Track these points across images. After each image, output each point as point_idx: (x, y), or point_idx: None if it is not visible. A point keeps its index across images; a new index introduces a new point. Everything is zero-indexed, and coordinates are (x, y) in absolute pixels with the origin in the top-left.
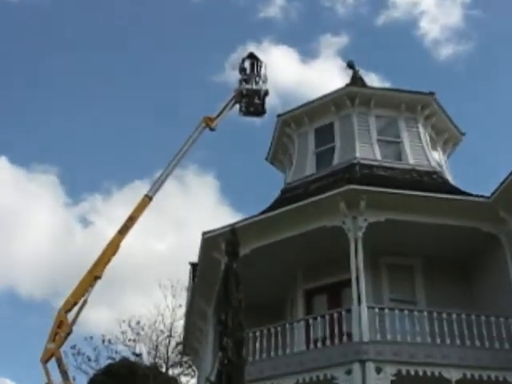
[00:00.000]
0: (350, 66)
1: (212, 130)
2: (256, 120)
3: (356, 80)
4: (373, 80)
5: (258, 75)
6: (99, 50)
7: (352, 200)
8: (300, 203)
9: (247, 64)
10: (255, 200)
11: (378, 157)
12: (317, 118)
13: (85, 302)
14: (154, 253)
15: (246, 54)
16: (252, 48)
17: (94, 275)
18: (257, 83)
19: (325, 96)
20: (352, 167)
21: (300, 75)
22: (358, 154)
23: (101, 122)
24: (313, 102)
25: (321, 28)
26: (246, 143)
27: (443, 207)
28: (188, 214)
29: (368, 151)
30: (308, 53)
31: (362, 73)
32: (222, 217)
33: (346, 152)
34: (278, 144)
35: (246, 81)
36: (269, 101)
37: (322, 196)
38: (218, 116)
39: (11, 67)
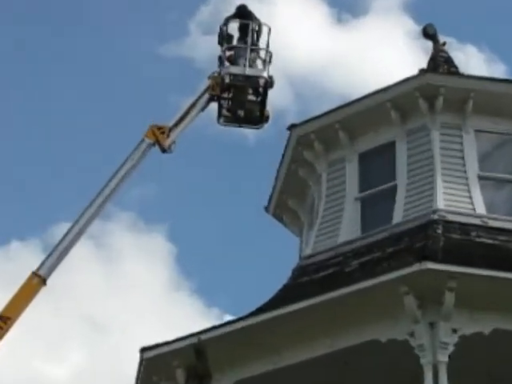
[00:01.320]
0: (429, 33)
1: (165, 151)
2: (248, 133)
3: (438, 62)
4: (470, 62)
5: (255, 50)
6: None
7: (429, 290)
8: (326, 296)
9: (234, 27)
10: (244, 286)
11: (480, 209)
12: (363, 133)
13: None
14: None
15: (231, 7)
16: None
17: None
18: (252, 65)
19: (379, 92)
20: (429, 228)
21: (332, 50)
22: (440, 204)
23: None
24: (356, 102)
25: None
26: (227, 176)
27: None
28: (111, 311)
29: (460, 198)
30: (349, 8)
31: (450, 47)
32: (179, 316)
33: (417, 199)
34: (290, 180)
35: (232, 60)
36: (273, 98)
37: (372, 282)
38: (177, 126)
39: None
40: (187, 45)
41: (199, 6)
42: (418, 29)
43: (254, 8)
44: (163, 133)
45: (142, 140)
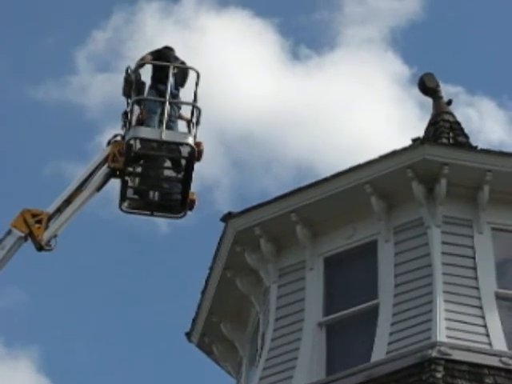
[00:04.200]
0: (428, 87)
1: (42, 248)
2: (161, 220)
3: (440, 128)
4: (485, 123)
5: (176, 104)
6: None
7: None
8: None
9: (147, 71)
10: None
11: (499, 343)
12: (331, 229)
13: None
14: None
15: (139, 33)
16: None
17: None
18: (171, 126)
19: (354, 169)
20: (425, 370)
21: (286, 100)
22: (441, 335)
23: None
24: (322, 183)
25: None
26: (128, 281)
27: None
28: None
29: (470, 326)
30: (311, 39)
31: (456, 101)
32: None
33: (407, 326)
34: (224, 295)
35: (143, 119)
36: (201, 168)
37: None
38: (60, 212)
39: None
40: (74, 86)
41: (90, 30)
42: (410, 73)
43: (176, 39)
44: (39, 222)
45: (9, 231)
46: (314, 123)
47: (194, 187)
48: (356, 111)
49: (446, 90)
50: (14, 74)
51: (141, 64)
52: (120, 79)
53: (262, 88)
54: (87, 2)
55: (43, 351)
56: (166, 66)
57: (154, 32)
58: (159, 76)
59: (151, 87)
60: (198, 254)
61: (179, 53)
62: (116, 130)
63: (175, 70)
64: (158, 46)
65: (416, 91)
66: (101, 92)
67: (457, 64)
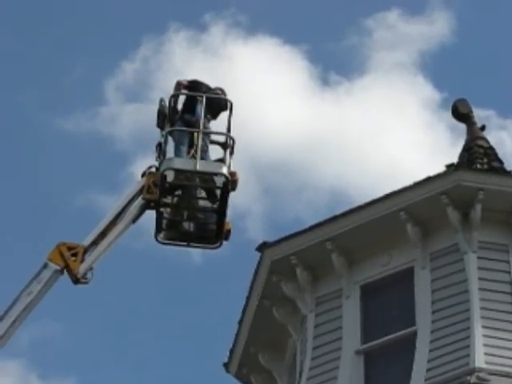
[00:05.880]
0: (461, 113)
1: (78, 280)
2: (194, 253)
3: (475, 154)
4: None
5: (208, 134)
6: None
7: None
8: None
9: (176, 103)
10: None
11: None
12: (366, 257)
13: None
14: None
15: (170, 64)
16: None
17: None
18: (204, 157)
19: (389, 197)
20: None
21: (316, 126)
22: (479, 360)
23: None
24: (357, 211)
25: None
26: (163, 314)
27: None
28: None
29: (509, 352)
30: (340, 65)
31: (488, 125)
32: None
33: (446, 353)
34: (261, 325)
35: (177, 151)
36: (232, 198)
37: None
38: (96, 245)
39: None
40: (103, 117)
41: (119, 61)
42: (440, 97)
43: (205, 68)
44: (75, 255)
45: (45, 265)
46: (344, 149)
47: (227, 216)
48: (386, 136)
49: (478, 114)
50: (43, 105)
51: (176, 95)
52: (149, 109)
53: (292, 115)
54: (116, 32)
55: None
56: (198, 96)
57: (183, 62)
58: (189, 106)
59: (179, 118)
60: (233, 283)
61: (209, 82)
62: (146, 159)
63: (205, 101)
64: (187, 75)
65: (447, 116)
66: (130, 122)
67: (488, 87)
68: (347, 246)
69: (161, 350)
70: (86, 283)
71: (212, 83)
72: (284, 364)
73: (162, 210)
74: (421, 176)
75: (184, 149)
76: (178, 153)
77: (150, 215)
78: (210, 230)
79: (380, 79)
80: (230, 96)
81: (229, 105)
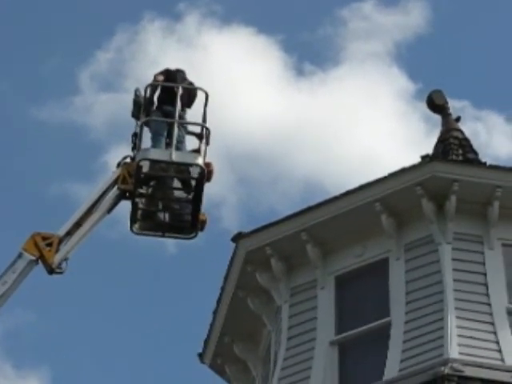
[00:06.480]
0: (436, 104)
1: (53, 270)
2: (169, 243)
3: (449, 145)
4: (493, 138)
5: (184, 125)
6: None
7: None
8: None
9: (153, 94)
10: None
11: None
12: (341, 247)
13: None
14: None
15: (144, 54)
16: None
17: None
18: (180, 147)
19: (363, 188)
20: None
21: (291, 116)
22: (453, 351)
23: None
24: (331, 202)
25: None
26: (138, 302)
27: None
28: None
29: (482, 342)
30: (315, 55)
31: (463, 116)
32: None
33: (419, 344)
34: (236, 315)
35: (156, 142)
36: (207, 188)
37: None
38: (70, 235)
39: None
40: (77, 106)
41: (93, 50)
42: (415, 88)
43: (180, 58)
44: (50, 245)
45: (20, 254)
46: (318, 139)
47: (203, 207)
48: (361, 126)
49: (453, 105)
50: (17, 94)
51: (153, 85)
52: (123, 98)
53: (267, 105)
54: (90, 21)
55: (52, 372)
56: (173, 87)
57: (157, 51)
58: (165, 97)
59: (157, 109)
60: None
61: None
62: (120, 149)
63: (181, 91)
64: (161, 65)
65: (421, 106)
66: (104, 112)
67: (462, 78)
68: (322, 236)
69: (135, 340)
70: (60, 273)
71: (187, 72)
72: (258, 354)
73: (137, 200)
74: (396, 167)
75: (163, 140)
76: (157, 144)
77: (125, 205)
78: (185, 220)
79: (355, 69)
80: (204, 85)
81: (204, 95)
